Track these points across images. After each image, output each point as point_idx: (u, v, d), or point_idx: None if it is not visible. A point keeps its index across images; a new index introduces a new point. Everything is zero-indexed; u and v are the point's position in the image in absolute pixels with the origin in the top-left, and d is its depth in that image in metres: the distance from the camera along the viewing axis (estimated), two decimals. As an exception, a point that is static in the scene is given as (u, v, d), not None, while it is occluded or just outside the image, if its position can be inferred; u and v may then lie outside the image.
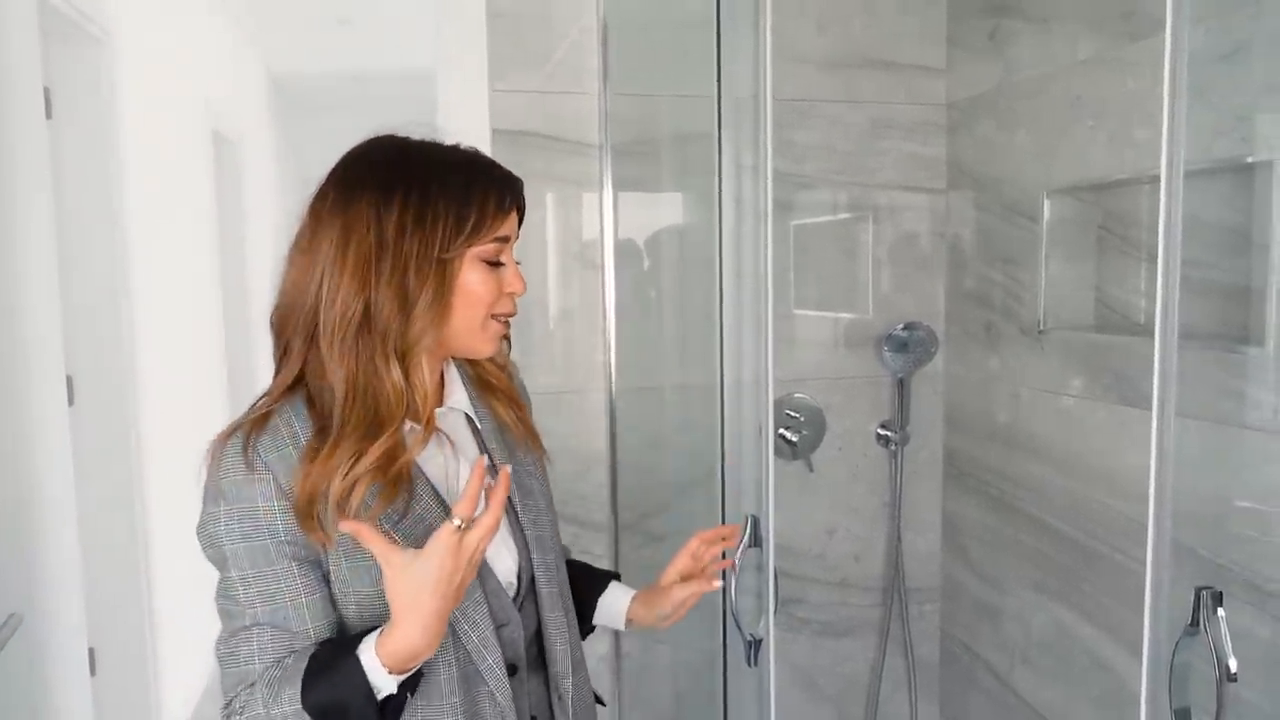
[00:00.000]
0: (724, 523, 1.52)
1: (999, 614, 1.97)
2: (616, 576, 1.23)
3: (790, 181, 1.99)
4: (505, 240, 0.94)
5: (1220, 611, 0.87)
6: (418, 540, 0.88)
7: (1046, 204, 1.75)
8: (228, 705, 0.90)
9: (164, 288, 3.06)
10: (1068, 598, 1.74)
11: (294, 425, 0.90)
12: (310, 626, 0.90)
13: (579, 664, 1.08)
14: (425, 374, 0.91)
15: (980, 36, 1.94)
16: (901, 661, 2.12)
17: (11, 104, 1.70)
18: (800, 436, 2.00)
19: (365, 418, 0.87)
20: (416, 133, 0.96)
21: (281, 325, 0.93)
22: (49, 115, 2.38)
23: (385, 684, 0.85)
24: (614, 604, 1.19)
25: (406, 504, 0.91)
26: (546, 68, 1.84)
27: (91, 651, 2.42)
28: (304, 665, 0.87)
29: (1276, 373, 1.26)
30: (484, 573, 0.96)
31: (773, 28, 1.15)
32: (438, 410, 0.97)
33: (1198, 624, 0.88)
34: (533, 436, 1.07)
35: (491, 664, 0.94)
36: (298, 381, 0.92)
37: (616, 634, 1.89)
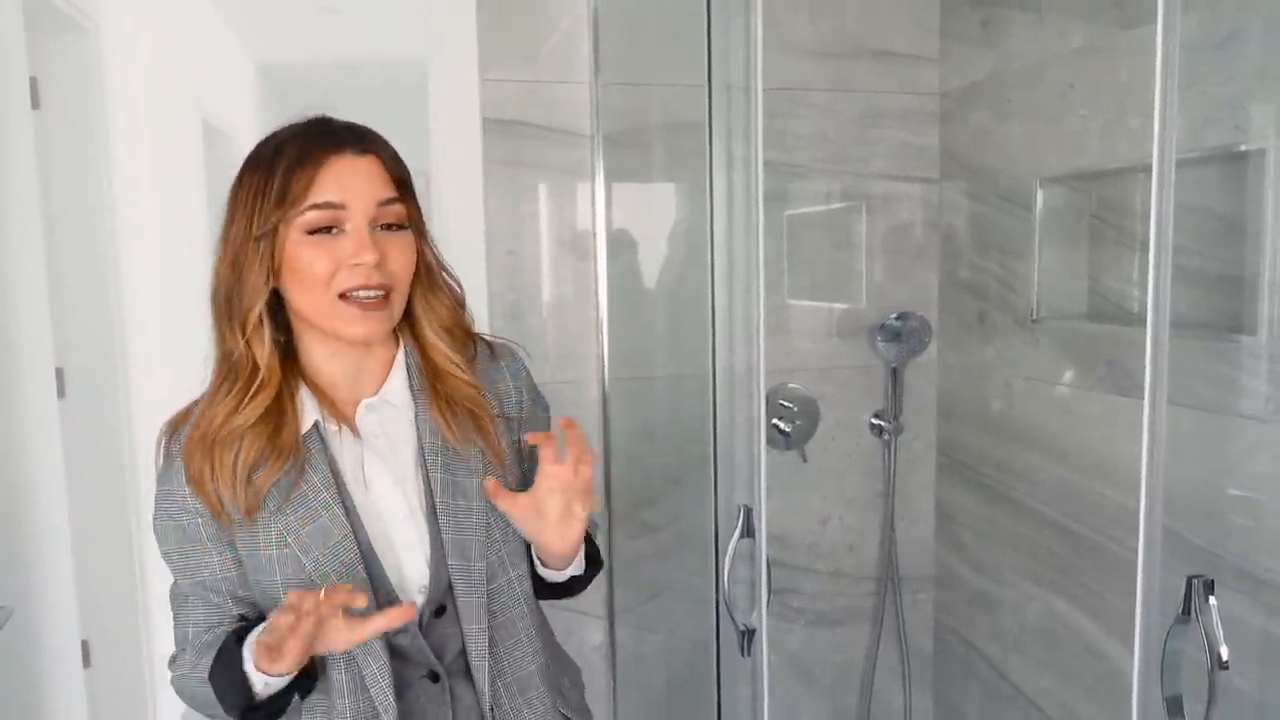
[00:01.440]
0: (716, 514, 1.52)
1: (993, 603, 1.97)
2: None
3: (783, 171, 1.99)
4: (328, 207, 0.88)
5: (1212, 600, 0.87)
6: (304, 532, 0.91)
7: (1040, 193, 1.74)
8: (171, 660, 1.00)
9: (154, 278, 3.04)
10: (1061, 586, 1.75)
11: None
12: (228, 598, 0.95)
13: (524, 683, 0.99)
14: (267, 344, 0.92)
15: (973, 25, 1.93)
16: (896, 651, 2.13)
17: (-3, 94, 1.69)
18: (794, 426, 2.00)
19: (223, 383, 0.92)
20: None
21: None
22: (36, 105, 2.36)
23: (257, 680, 0.87)
24: (533, 553, 1.04)
25: (292, 487, 0.91)
26: (538, 57, 1.82)
27: (85, 643, 2.42)
28: (222, 641, 0.92)
29: (1269, 361, 1.26)
30: (375, 575, 0.93)
31: (765, 17, 1.14)
32: (366, 401, 0.96)
33: (1189, 612, 0.88)
34: (487, 441, 0.98)
35: (375, 671, 0.91)
36: None
37: (610, 623, 1.90)
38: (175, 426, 0.96)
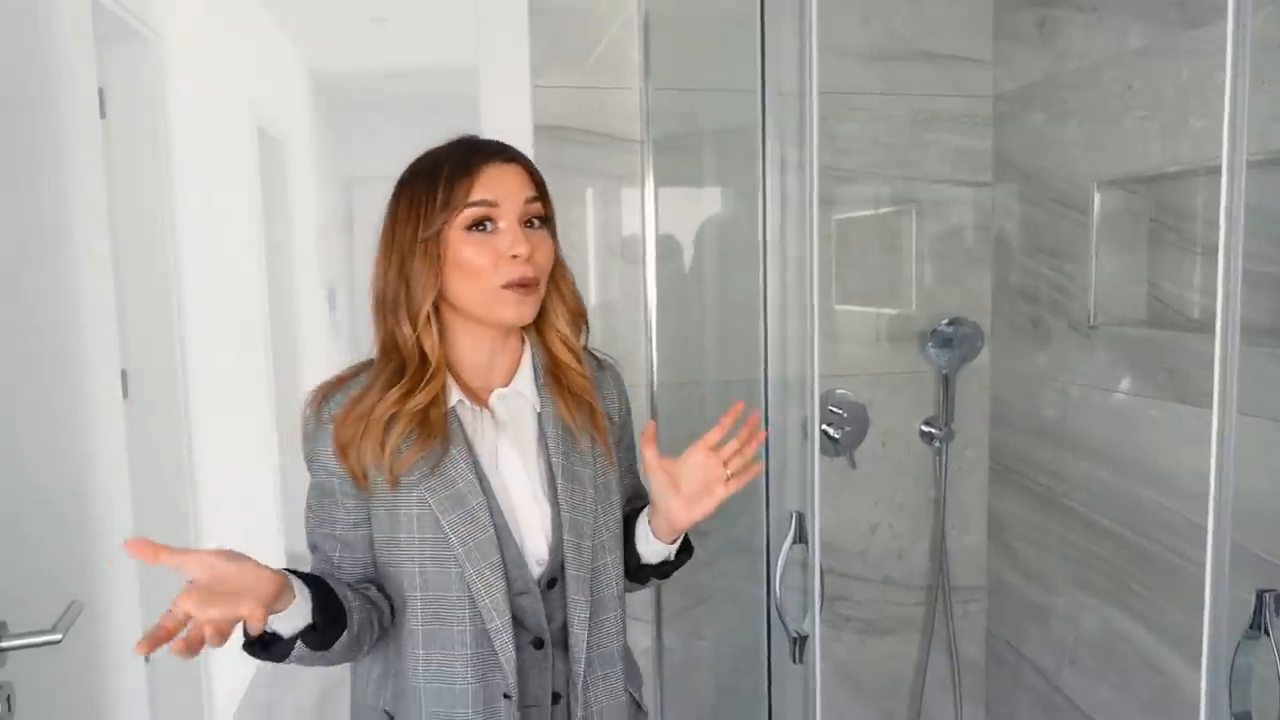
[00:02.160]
0: (768, 520, 1.51)
1: (1046, 614, 1.94)
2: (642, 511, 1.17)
3: (833, 175, 1.97)
4: (485, 204, 1.00)
5: (1285, 614, 0.85)
6: (444, 496, 1.01)
7: (1097, 196, 1.71)
8: None
9: (212, 283, 3.12)
10: (1118, 598, 1.71)
11: (364, 384, 1.04)
12: (344, 552, 1.06)
13: (607, 658, 1.09)
14: (436, 336, 1.03)
15: (1028, 26, 1.91)
16: (946, 661, 2.10)
17: (68, 104, 1.74)
18: (843, 433, 1.99)
19: (386, 369, 1.02)
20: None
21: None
22: (103, 115, 2.44)
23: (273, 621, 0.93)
24: (647, 547, 1.14)
25: (439, 460, 1.01)
26: (588, 63, 1.84)
27: (144, 640, 2.48)
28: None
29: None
30: (505, 541, 1.03)
31: (817, 20, 1.14)
32: (499, 391, 1.07)
33: (1258, 627, 0.85)
34: (601, 433, 1.10)
35: (500, 626, 1.01)
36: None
37: (657, 628, 1.89)
38: (327, 394, 1.06)
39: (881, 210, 2.03)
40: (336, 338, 6.02)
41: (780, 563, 1.23)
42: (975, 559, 2.12)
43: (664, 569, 1.15)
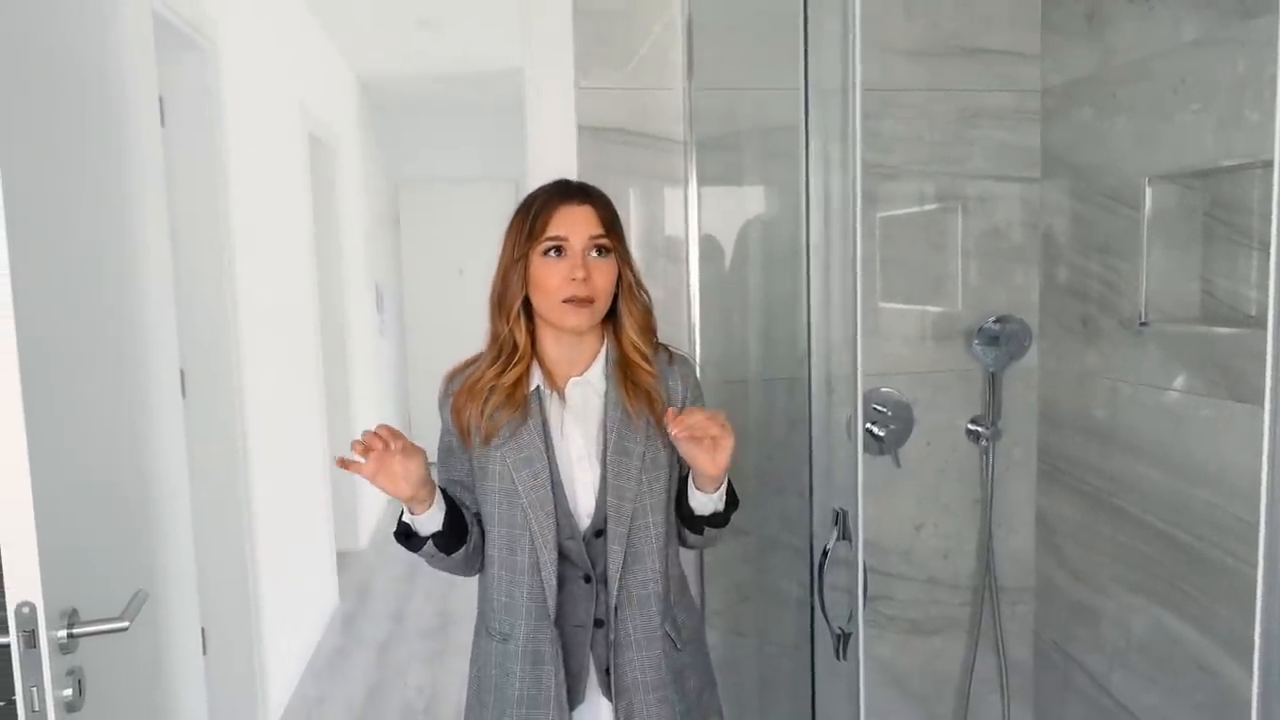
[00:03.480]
0: (812, 517, 1.54)
1: (1096, 615, 1.91)
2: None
3: (876, 173, 1.97)
4: (556, 239, 1.27)
5: (1339, 616, 0.83)
6: (518, 457, 1.29)
7: (1148, 191, 1.68)
8: None
9: (266, 285, 3.20)
10: (1170, 600, 1.68)
11: (479, 366, 1.33)
12: (463, 492, 1.38)
13: (644, 599, 1.33)
14: (523, 332, 1.31)
15: (1077, 19, 1.88)
16: (993, 662, 2.08)
17: (131, 113, 1.80)
18: (887, 431, 1.98)
19: (494, 353, 1.32)
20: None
21: None
22: (163, 123, 2.52)
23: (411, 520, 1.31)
24: (696, 498, 1.34)
25: (518, 428, 1.29)
26: (631, 64, 1.86)
27: (203, 632, 2.56)
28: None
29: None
30: (559, 496, 1.30)
31: (861, 16, 1.14)
32: (573, 379, 1.33)
33: (1314, 628, 0.84)
34: (656, 419, 1.31)
35: (547, 560, 1.29)
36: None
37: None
38: (454, 375, 1.37)
39: (927, 207, 2.02)
40: (384, 335, 6.11)
41: (823, 560, 1.23)
42: (1023, 559, 2.10)
43: (715, 519, 1.34)
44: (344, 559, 4.61)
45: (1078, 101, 1.89)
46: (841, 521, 1.24)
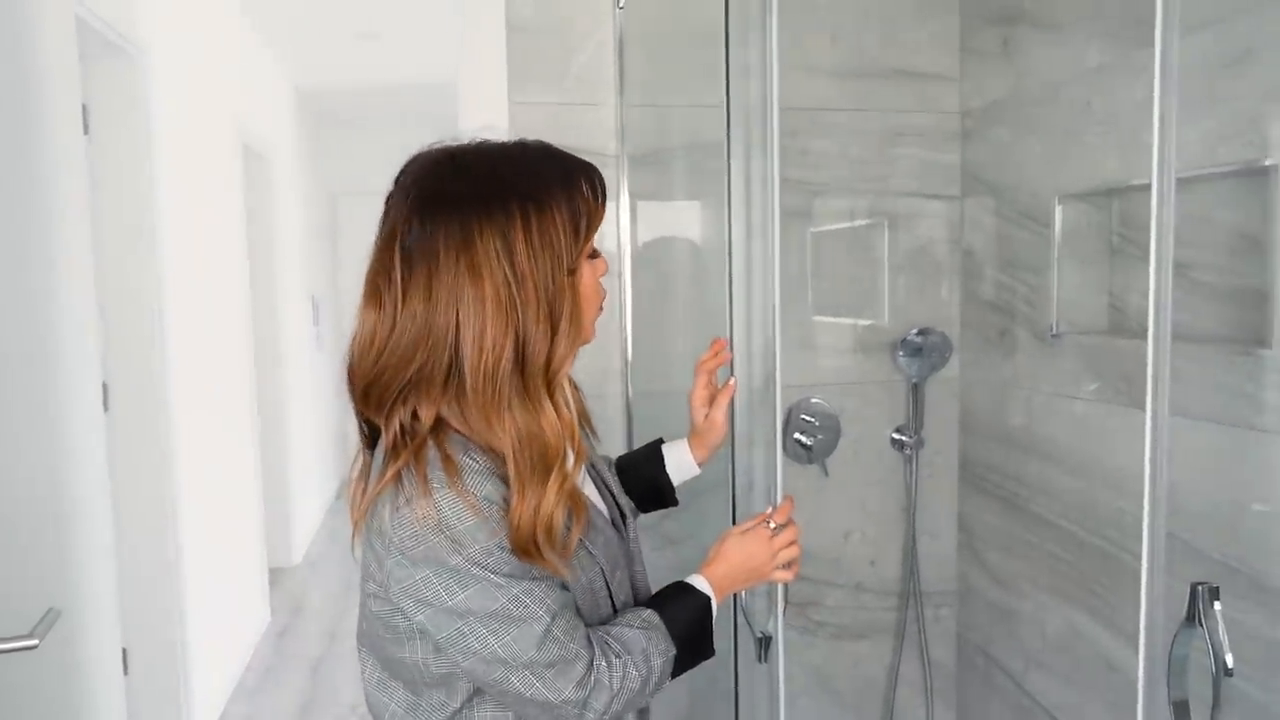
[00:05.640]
0: (734, 523, 1.55)
1: (1014, 617, 1.97)
2: (658, 442, 1.30)
3: (807, 189, 2.02)
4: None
5: (1217, 606, 0.88)
6: (595, 537, 0.98)
7: (1059, 210, 1.76)
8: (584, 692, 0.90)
9: (195, 297, 3.14)
10: (1081, 600, 1.75)
11: (478, 459, 0.88)
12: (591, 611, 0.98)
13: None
14: (569, 397, 0.94)
15: (993, 44, 1.96)
16: (918, 665, 2.13)
17: (52, 120, 1.77)
18: (815, 441, 2.03)
19: (536, 463, 0.87)
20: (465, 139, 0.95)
21: (393, 374, 0.87)
22: (86, 130, 2.47)
23: (714, 607, 1.03)
24: (680, 461, 1.26)
25: (589, 520, 0.96)
26: (564, 81, 1.88)
27: (124, 651, 2.48)
28: (649, 616, 0.99)
29: (1283, 375, 1.27)
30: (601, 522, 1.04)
31: (787, 39, 1.18)
32: None
33: (1194, 619, 0.89)
34: (590, 422, 1.13)
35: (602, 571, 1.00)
36: (436, 424, 0.88)
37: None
38: (452, 478, 0.95)
39: (856, 223, 2.08)
40: (320, 349, 6.03)
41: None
42: (945, 564, 2.16)
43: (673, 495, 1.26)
44: (277, 575, 4.52)
45: (994, 123, 1.97)
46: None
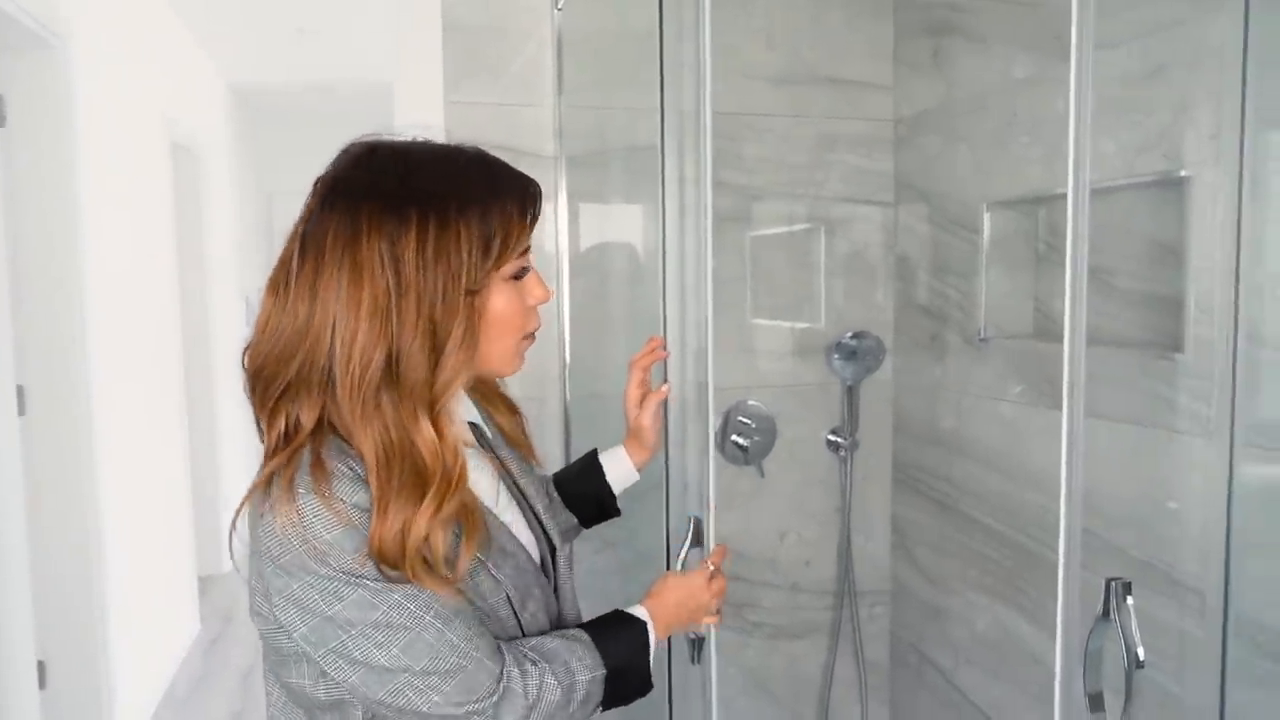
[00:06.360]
0: (668, 528, 1.56)
1: (945, 615, 2.02)
2: (593, 453, 1.28)
3: (745, 193, 2.04)
4: (527, 251, 0.88)
5: (1129, 601, 0.92)
6: (500, 561, 0.89)
7: (987, 217, 1.81)
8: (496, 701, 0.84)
9: (120, 297, 3.04)
10: (1009, 597, 1.79)
11: (354, 465, 0.82)
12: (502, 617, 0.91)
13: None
14: (454, 420, 0.88)
15: (924, 54, 2.01)
16: (852, 663, 2.17)
17: (-38, 111, 1.70)
18: (752, 442, 2.04)
19: (407, 480, 0.81)
20: (407, 136, 0.88)
21: (274, 369, 0.83)
22: (2, 122, 2.37)
23: (653, 641, 0.98)
24: (619, 469, 1.25)
25: (489, 540, 0.88)
26: (503, 80, 1.87)
27: (41, 665, 2.39)
28: (577, 633, 0.94)
29: (1195, 379, 1.32)
30: (536, 571, 0.97)
31: (724, 44, 1.19)
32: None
33: (1109, 614, 0.92)
34: (528, 445, 1.07)
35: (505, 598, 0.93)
36: (317, 427, 0.83)
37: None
38: (319, 482, 0.88)
39: (793, 228, 2.11)
40: (255, 353, 5.89)
41: (679, 567, 1.27)
42: (879, 564, 2.20)
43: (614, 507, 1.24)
44: (207, 583, 4.40)
45: (926, 131, 2.02)
46: (695, 528, 1.28)
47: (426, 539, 0.80)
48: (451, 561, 0.83)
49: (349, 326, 0.79)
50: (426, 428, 0.81)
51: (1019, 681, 1.78)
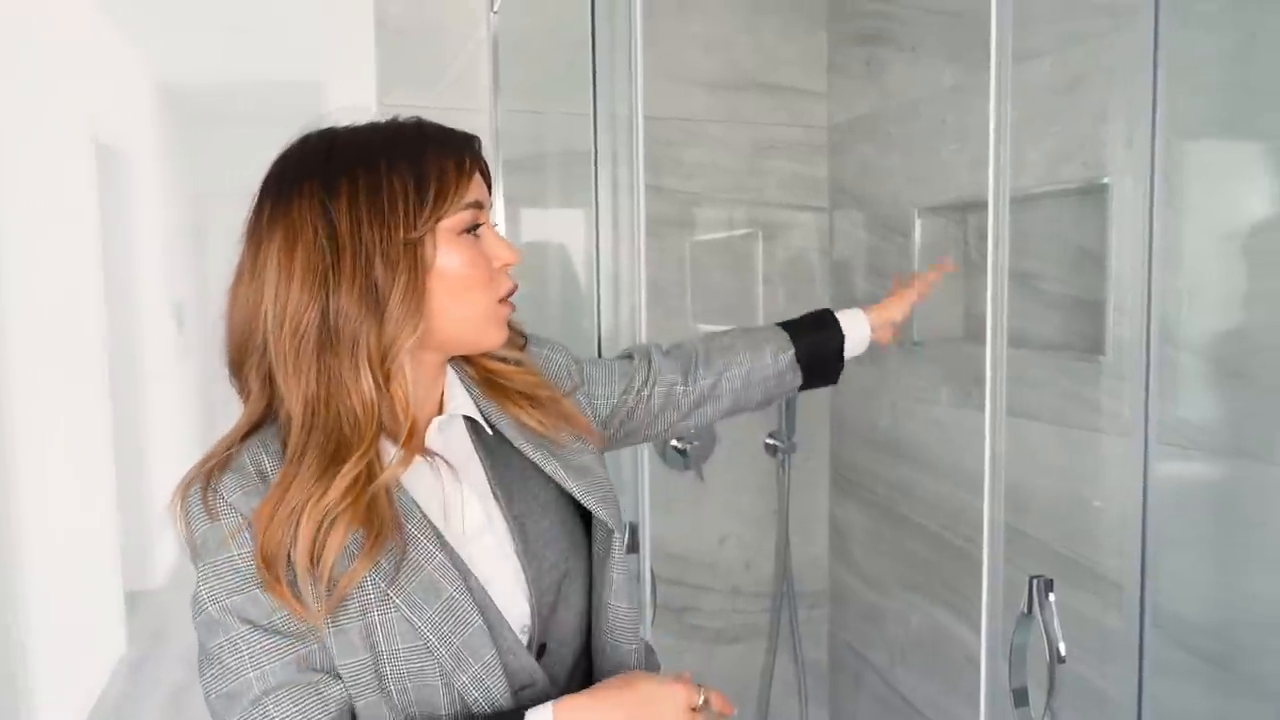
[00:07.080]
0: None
1: (882, 615, 2.04)
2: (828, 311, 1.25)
3: (683, 199, 2.05)
4: (478, 206, 0.83)
5: (1051, 597, 0.94)
6: (420, 598, 0.76)
7: (918, 222, 1.84)
8: None
9: (39, 302, 2.93)
10: (942, 597, 1.83)
11: (262, 461, 0.78)
12: (343, 686, 0.76)
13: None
14: (408, 381, 0.79)
15: (858, 62, 2.04)
16: (792, 666, 2.18)
17: None
18: (691, 446, 2.05)
19: (326, 444, 0.75)
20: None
21: (237, 365, 0.81)
22: (-92, 120, 2.27)
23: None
24: (857, 333, 1.24)
25: (400, 553, 0.76)
26: (439, 83, 1.84)
27: (-47, 687, 2.28)
28: None
29: (1116, 380, 1.36)
30: (495, 623, 0.81)
31: (660, 50, 1.20)
32: (437, 420, 0.85)
33: (1032, 610, 0.95)
34: (573, 419, 0.93)
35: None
36: (265, 419, 0.80)
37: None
38: (213, 476, 0.81)
39: (733, 233, 2.12)
40: (186, 358, 5.72)
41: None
42: (818, 565, 2.22)
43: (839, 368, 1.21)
44: (135, 599, 4.25)
45: (859, 138, 2.05)
46: (629, 534, 1.28)
47: (320, 529, 0.72)
48: (333, 575, 0.73)
49: (283, 292, 0.76)
50: (365, 378, 0.76)
51: (952, 679, 1.81)
